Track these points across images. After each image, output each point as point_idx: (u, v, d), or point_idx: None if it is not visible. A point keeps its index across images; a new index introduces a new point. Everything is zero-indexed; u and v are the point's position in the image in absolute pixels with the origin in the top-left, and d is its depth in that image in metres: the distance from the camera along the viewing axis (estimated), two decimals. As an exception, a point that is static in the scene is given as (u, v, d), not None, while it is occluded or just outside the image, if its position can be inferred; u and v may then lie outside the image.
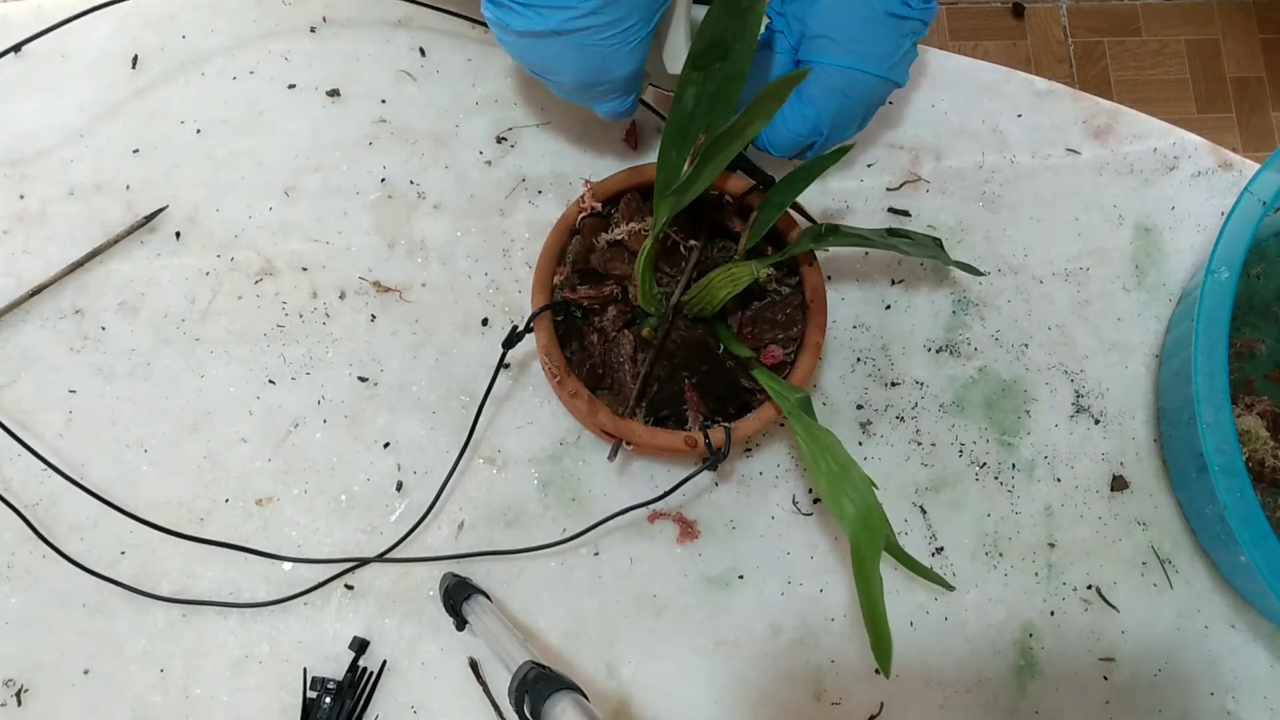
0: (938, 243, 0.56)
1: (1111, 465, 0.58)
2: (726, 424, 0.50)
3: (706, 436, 0.49)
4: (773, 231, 0.51)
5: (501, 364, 0.51)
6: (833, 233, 0.51)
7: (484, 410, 0.54)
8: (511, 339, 0.50)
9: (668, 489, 0.50)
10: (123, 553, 0.54)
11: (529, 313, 0.50)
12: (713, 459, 0.48)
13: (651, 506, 0.52)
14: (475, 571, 0.54)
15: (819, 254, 0.53)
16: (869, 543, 0.44)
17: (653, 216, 0.50)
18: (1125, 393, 0.59)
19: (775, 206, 0.50)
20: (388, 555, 0.53)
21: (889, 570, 0.55)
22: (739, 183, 0.53)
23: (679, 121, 0.46)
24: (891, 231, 0.54)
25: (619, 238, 0.52)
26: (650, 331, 0.51)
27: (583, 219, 0.53)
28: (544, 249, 0.52)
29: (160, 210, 0.57)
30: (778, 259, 0.51)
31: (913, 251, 0.54)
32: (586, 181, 0.53)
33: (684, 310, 0.51)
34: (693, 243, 0.52)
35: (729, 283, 0.48)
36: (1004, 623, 0.55)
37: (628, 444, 0.50)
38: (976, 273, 0.58)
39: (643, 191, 0.54)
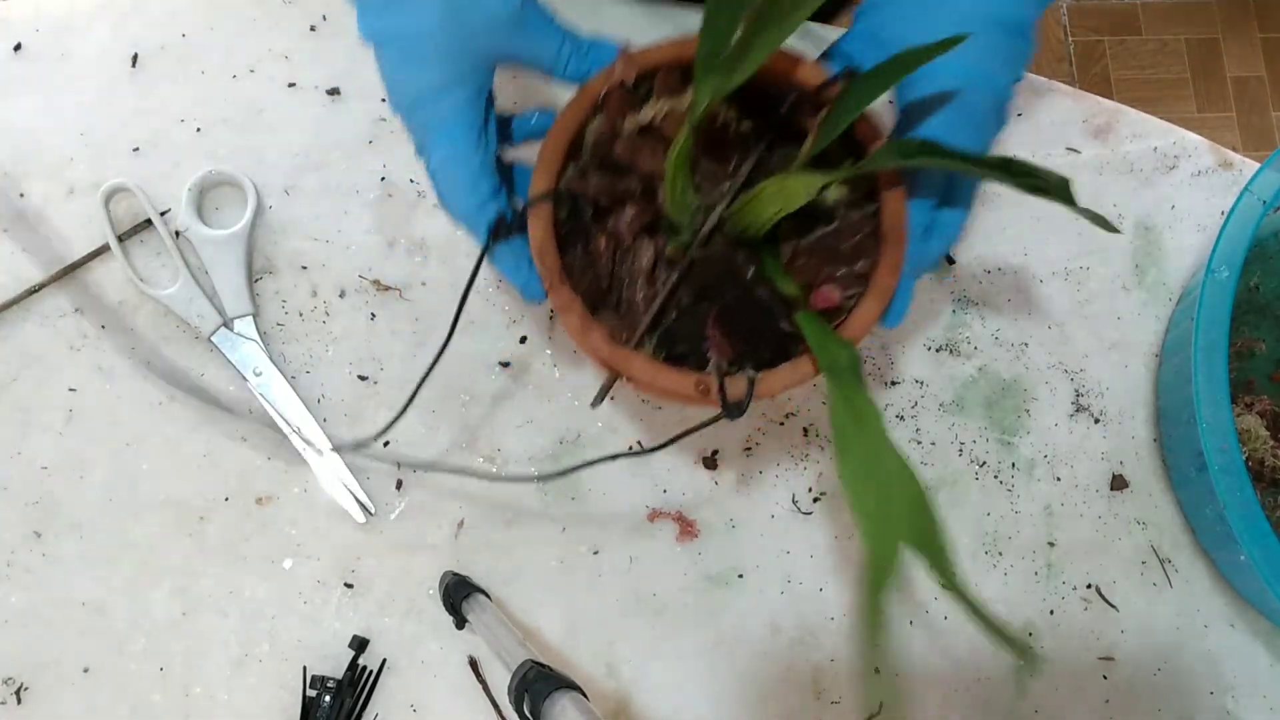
0: (1065, 183, 0.40)
1: (1111, 465, 0.58)
2: (752, 371, 0.41)
3: (723, 384, 0.40)
4: (851, 140, 0.41)
5: (481, 258, 0.43)
6: (929, 151, 0.38)
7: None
8: (498, 229, 0.42)
9: (667, 442, 0.43)
10: (122, 551, 0.54)
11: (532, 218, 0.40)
12: (728, 410, 0.40)
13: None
14: (475, 570, 0.54)
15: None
16: (885, 555, 0.32)
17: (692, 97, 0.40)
18: (1125, 392, 0.59)
19: (855, 105, 0.39)
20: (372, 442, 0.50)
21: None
22: (814, 72, 0.42)
23: None
24: (1008, 162, 0.39)
25: (649, 119, 0.42)
26: (677, 249, 0.41)
27: (609, 94, 0.42)
28: (555, 126, 0.42)
29: (161, 212, 0.57)
30: (846, 174, 0.40)
31: (1031, 190, 0.37)
32: (623, 50, 0.43)
33: (723, 227, 0.41)
34: (749, 145, 0.41)
35: (779, 198, 0.38)
36: (1004, 622, 0.55)
37: (626, 380, 0.42)
38: (1110, 228, 0.39)
39: (685, 69, 0.43)
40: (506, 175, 0.45)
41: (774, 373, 0.41)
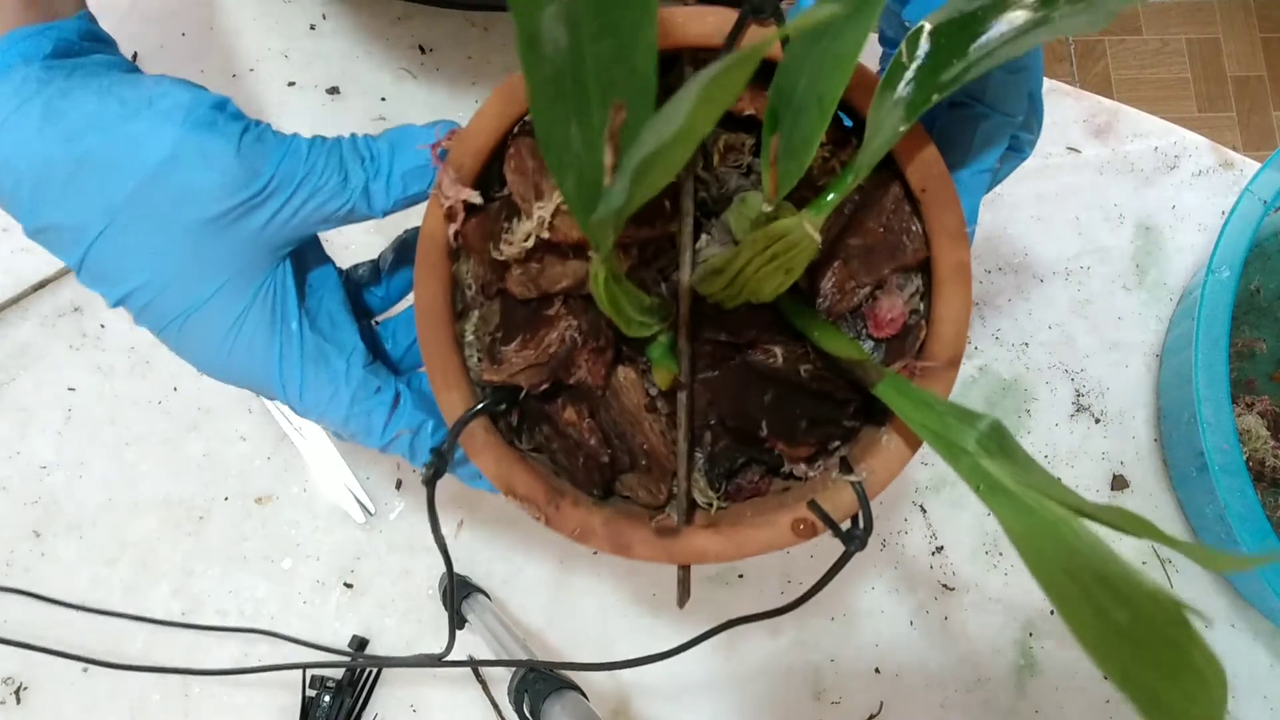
0: None
1: (1112, 464, 0.58)
2: (851, 475, 0.31)
3: (823, 513, 0.30)
4: None
5: (433, 506, 0.32)
6: (952, 54, 0.25)
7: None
8: (434, 474, 0.31)
9: (805, 596, 0.33)
10: (122, 551, 0.54)
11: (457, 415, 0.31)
12: (850, 541, 0.30)
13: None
14: (475, 570, 0.54)
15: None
16: None
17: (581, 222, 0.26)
18: (1125, 392, 0.59)
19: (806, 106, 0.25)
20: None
21: (888, 566, 0.55)
22: (707, 23, 0.28)
23: (553, 82, 0.23)
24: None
25: (530, 236, 0.29)
26: (669, 371, 0.30)
27: (459, 228, 0.30)
28: (420, 311, 0.31)
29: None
30: (854, 180, 0.27)
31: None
32: (438, 146, 0.32)
33: (705, 301, 0.29)
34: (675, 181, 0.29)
35: (776, 269, 0.27)
36: (1004, 622, 0.55)
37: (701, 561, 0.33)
38: None
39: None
40: (387, 359, 0.35)
41: (877, 456, 0.31)
